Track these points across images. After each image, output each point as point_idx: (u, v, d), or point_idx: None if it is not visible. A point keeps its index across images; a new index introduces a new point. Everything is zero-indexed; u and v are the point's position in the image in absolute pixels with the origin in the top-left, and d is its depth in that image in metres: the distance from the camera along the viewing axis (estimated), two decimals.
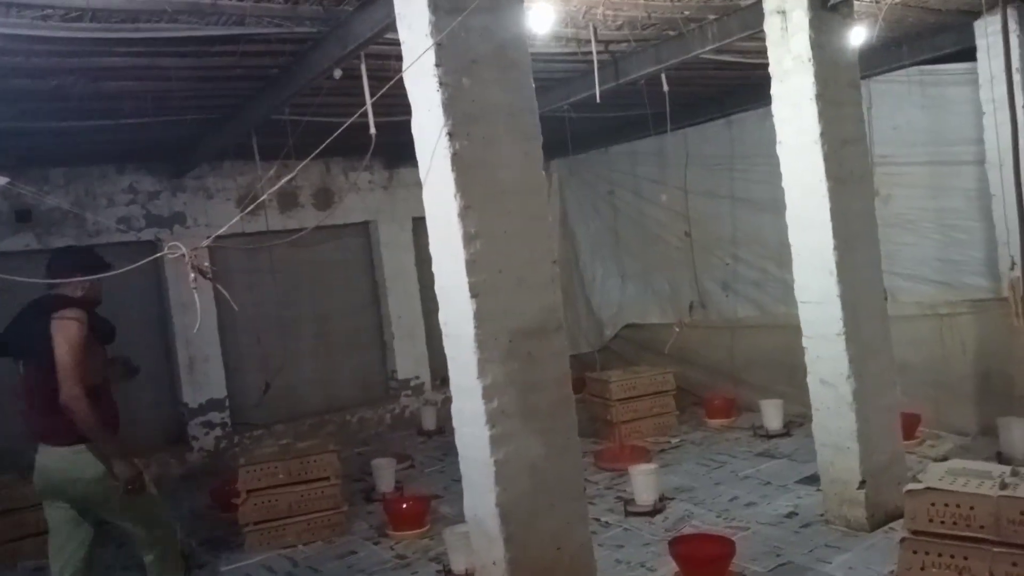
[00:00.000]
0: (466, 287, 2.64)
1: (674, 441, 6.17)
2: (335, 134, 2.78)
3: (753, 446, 5.75)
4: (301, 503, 4.66)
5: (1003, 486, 2.79)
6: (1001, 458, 4.56)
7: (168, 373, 6.84)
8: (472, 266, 2.63)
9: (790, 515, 4.27)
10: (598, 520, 4.54)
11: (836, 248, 3.80)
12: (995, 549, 2.73)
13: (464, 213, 2.62)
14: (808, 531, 4.01)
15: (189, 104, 4.68)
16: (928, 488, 2.86)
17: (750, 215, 6.72)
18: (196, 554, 4.58)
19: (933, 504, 2.85)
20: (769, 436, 5.89)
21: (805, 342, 4.05)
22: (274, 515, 4.62)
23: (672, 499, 4.74)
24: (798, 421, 6.03)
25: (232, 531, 4.78)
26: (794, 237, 4.04)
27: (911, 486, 2.92)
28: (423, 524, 4.65)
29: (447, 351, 2.82)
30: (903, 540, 2.92)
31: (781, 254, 6.49)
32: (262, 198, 2.87)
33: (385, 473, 5.40)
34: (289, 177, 3.06)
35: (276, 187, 2.89)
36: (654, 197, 7.52)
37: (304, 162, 2.95)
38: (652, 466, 4.78)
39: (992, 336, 5.17)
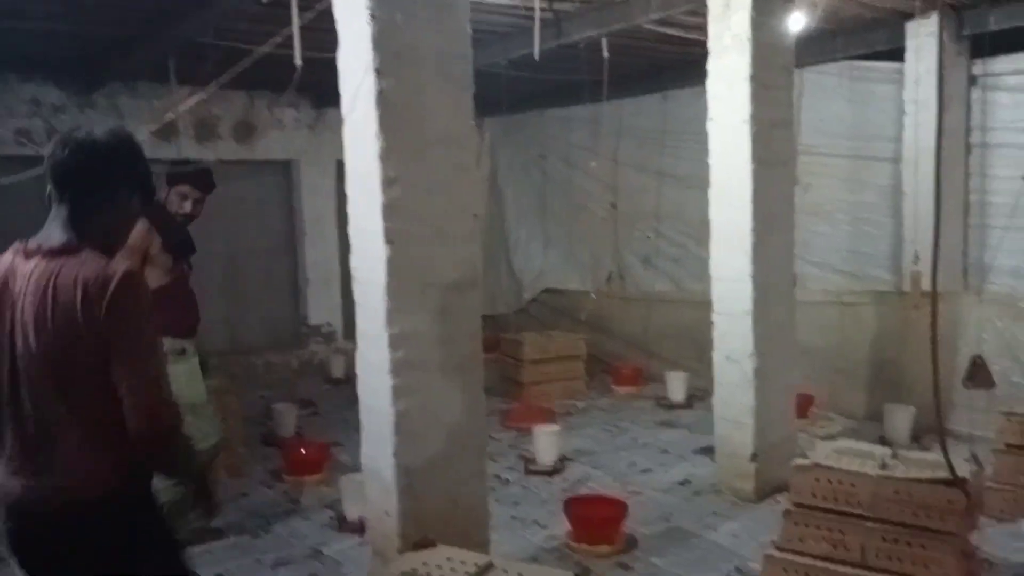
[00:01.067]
0: (381, 233, 2.56)
1: (581, 405, 6.27)
2: (254, 56, 2.63)
3: (656, 415, 5.89)
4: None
5: (883, 466, 2.93)
6: (884, 442, 4.80)
7: None
8: (389, 212, 2.55)
9: (683, 483, 4.41)
10: (498, 477, 4.57)
11: (754, 229, 3.88)
12: (868, 524, 2.87)
13: (385, 156, 2.53)
14: (699, 499, 4.15)
15: (105, 16, 4.36)
16: (815, 464, 2.98)
17: (676, 191, 6.80)
18: None
19: (818, 480, 2.97)
20: (672, 407, 6.05)
21: (714, 318, 4.14)
22: None
23: (572, 461, 4.81)
24: (700, 395, 6.21)
25: None
26: (715, 214, 4.10)
27: (799, 461, 3.03)
28: (320, 470, 4.59)
29: (356, 297, 2.75)
30: (786, 512, 3.04)
31: (702, 232, 6.57)
32: (169, 117, 2.69)
33: (285, 418, 5.29)
34: (200, 97, 2.88)
35: (187, 105, 2.71)
36: (584, 165, 7.53)
37: (221, 80, 2.78)
38: (555, 427, 4.84)
39: (888, 327, 5.42)
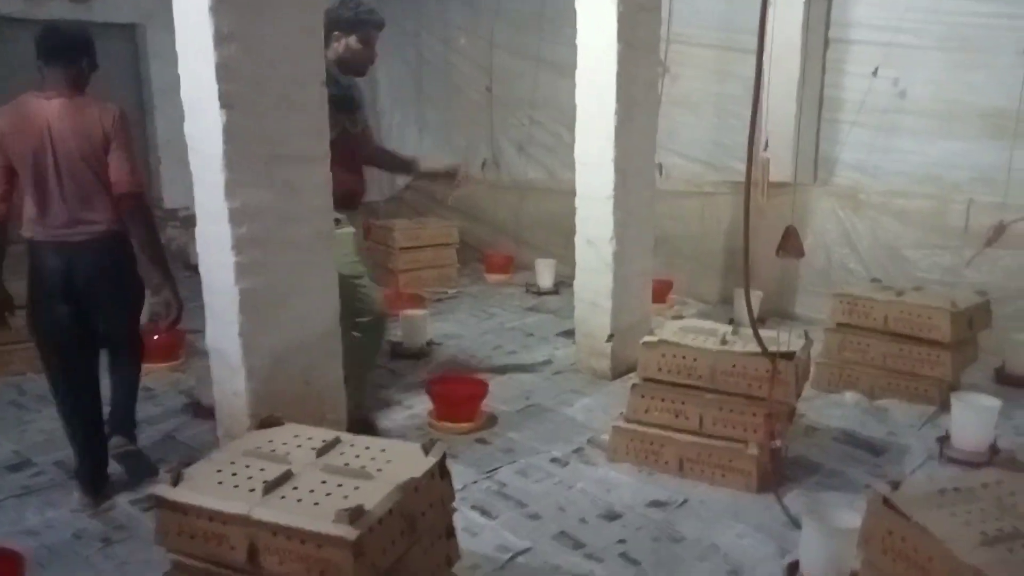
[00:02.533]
0: (216, 97, 2.35)
1: (451, 292, 6.29)
2: None
3: (524, 301, 6.00)
4: (24, 329, 4.19)
5: (723, 342, 3.10)
6: (732, 323, 5.11)
7: None
8: (224, 72, 2.34)
9: (545, 363, 4.55)
10: None
11: (617, 113, 3.87)
12: (707, 396, 3.06)
13: (217, 7, 2.29)
14: (558, 378, 4.30)
15: None
16: (661, 341, 3.12)
17: (551, 78, 6.69)
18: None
19: (663, 355, 3.12)
20: (540, 293, 6.17)
21: (577, 202, 4.18)
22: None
23: (439, 344, 4.86)
24: (568, 282, 6.33)
25: None
26: (580, 98, 4.06)
27: (647, 338, 3.17)
28: (176, 357, 4.42)
29: (192, 168, 2.56)
30: (634, 386, 3.19)
31: (575, 121, 6.62)
32: None
33: None
34: None
35: None
36: (460, 47, 7.26)
37: None
38: (422, 311, 4.84)
39: (741, 216, 5.65)
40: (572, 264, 6.41)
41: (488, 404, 3.75)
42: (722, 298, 5.78)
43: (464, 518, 2.75)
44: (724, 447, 3.04)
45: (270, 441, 2.17)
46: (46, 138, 2.83)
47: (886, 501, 1.89)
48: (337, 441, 2.15)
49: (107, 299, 3.01)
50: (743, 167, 5.78)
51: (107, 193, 2.91)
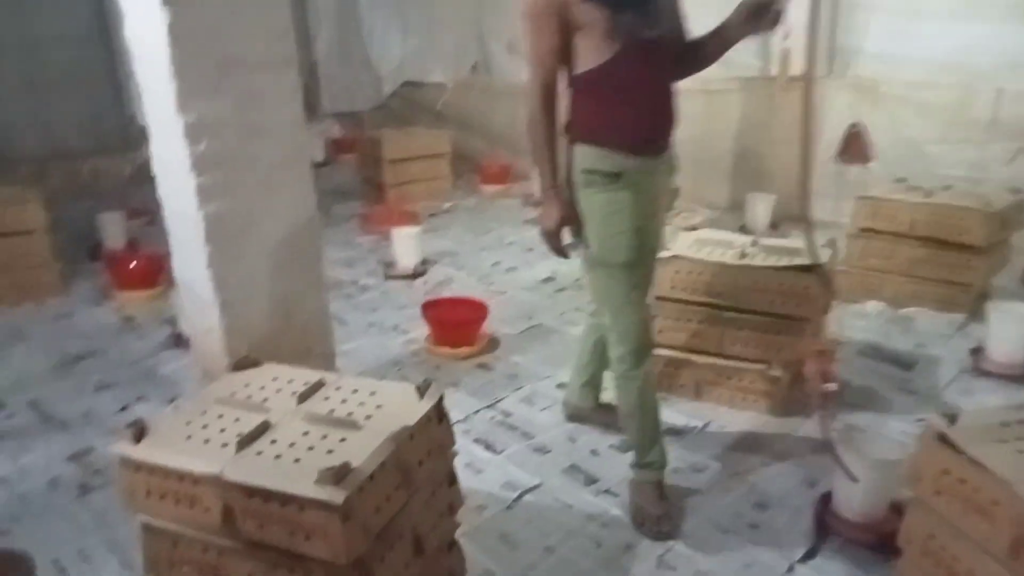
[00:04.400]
0: None
1: (446, 206, 5.98)
2: None
3: (523, 214, 5.71)
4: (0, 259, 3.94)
5: (742, 256, 2.84)
6: (744, 231, 4.84)
7: None
8: None
9: (547, 280, 4.30)
10: (355, 283, 4.32)
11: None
12: (726, 314, 2.82)
13: None
14: (562, 296, 4.06)
15: None
16: (674, 256, 2.86)
17: None
18: None
19: (677, 272, 2.86)
20: (538, 204, 5.85)
21: None
22: None
23: (435, 263, 4.60)
24: None
25: None
26: None
27: (659, 254, 2.89)
28: (155, 284, 4.16)
29: (139, 78, 2.22)
30: None
31: None
32: None
33: (112, 228, 4.74)
34: None
35: None
36: None
37: None
38: (414, 229, 4.56)
39: (753, 115, 5.31)
40: None
41: (489, 326, 3.52)
42: (731, 204, 5.48)
43: (467, 453, 2.56)
44: (745, 369, 2.82)
45: (246, 386, 1.93)
46: None
47: (942, 437, 1.67)
48: (321, 384, 1.91)
49: None
50: (753, 61, 5.45)
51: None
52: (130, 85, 6.65)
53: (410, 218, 5.36)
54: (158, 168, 2.31)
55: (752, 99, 5.30)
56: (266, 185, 2.33)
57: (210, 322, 2.36)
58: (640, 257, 2.17)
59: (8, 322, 3.82)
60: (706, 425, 2.74)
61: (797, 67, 5.03)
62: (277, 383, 1.94)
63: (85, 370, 3.30)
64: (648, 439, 2.29)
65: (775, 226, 4.89)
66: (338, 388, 1.90)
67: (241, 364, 2.04)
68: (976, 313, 3.42)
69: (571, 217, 2.16)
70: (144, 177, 6.83)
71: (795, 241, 2.93)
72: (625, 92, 2.03)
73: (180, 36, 2.04)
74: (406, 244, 4.39)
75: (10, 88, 6.21)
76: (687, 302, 2.88)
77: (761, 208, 4.83)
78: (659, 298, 2.91)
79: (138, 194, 6.27)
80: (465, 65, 7.02)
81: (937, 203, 3.56)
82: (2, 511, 2.36)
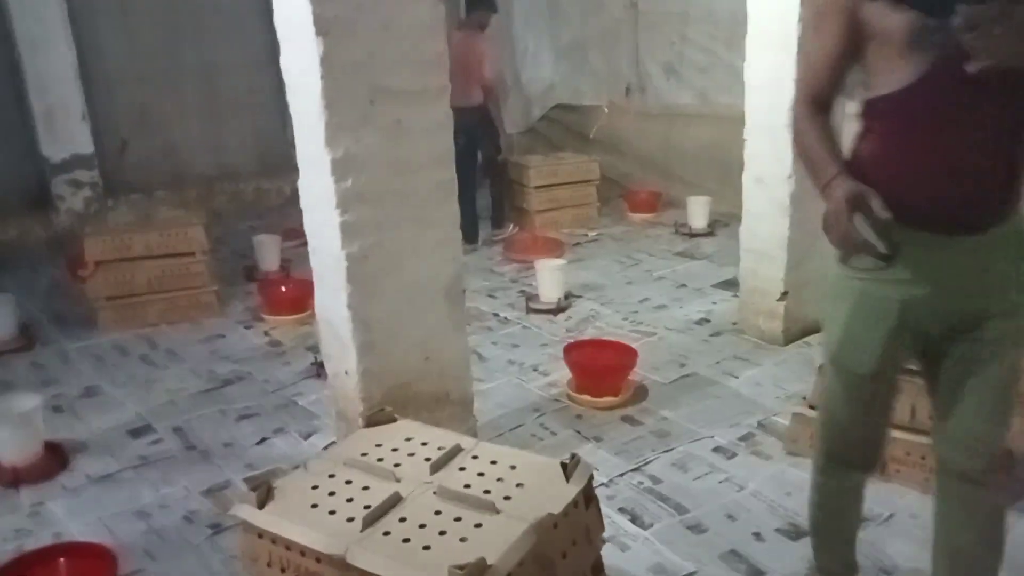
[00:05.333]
0: (311, 20, 1.92)
1: (592, 234, 5.75)
2: None
3: (673, 245, 5.38)
4: (162, 279, 4.10)
5: None
6: None
7: (22, 124, 5.88)
8: None
9: (701, 322, 3.96)
10: (496, 315, 4.16)
11: (802, 20, 3.12)
12: (922, 381, 2.40)
13: None
14: (718, 340, 3.72)
15: None
16: None
17: None
18: None
19: None
20: (692, 235, 5.52)
21: (746, 132, 3.50)
22: (130, 291, 4.07)
23: (579, 297, 4.37)
24: (724, 221, 5.66)
25: (89, 306, 4.22)
26: (750, 5, 3.33)
27: None
28: (304, 309, 4.18)
29: (291, 107, 2.16)
30: (822, 367, 2.56)
31: (734, 34, 5.75)
32: None
33: (268, 251, 4.85)
34: None
35: None
36: None
37: None
38: (558, 261, 4.36)
39: None
40: (728, 201, 5.72)
41: (636, 372, 3.25)
42: None
43: (610, 524, 2.29)
44: None
45: (378, 446, 1.78)
46: None
47: None
48: (457, 451, 1.73)
49: None
50: None
51: None
52: None
53: (555, 246, 5.18)
54: (305, 201, 2.24)
55: None
56: (413, 222, 2.21)
57: (348, 364, 2.25)
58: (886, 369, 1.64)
59: (166, 342, 3.95)
60: (892, 515, 2.34)
61: None
62: (411, 445, 1.77)
63: (230, 396, 3.32)
64: (834, 541, 1.92)
65: None
66: (475, 457, 1.71)
67: (375, 419, 1.89)
68: None
69: (863, 197, 1.37)
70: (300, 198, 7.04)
71: None
72: (925, 134, 1.41)
73: (332, 67, 1.94)
74: (550, 277, 4.19)
75: (189, 111, 6.61)
76: None
77: None
78: None
79: (295, 215, 6.51)
80: (619, 88, 6.78)
81: None
82: (140, 546, 2.34)
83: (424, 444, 1.77)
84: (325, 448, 2.81)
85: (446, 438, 1.79)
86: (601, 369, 3.14)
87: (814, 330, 3.68)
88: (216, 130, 6.79)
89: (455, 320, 2.41)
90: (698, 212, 5.56)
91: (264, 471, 2.69)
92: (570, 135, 7.12)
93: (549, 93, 7.35)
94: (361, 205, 2.10)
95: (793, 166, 3.32)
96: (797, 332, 3.60)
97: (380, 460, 1.72)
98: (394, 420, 1.90)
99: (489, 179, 5.72)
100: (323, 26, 1.92)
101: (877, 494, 2.41)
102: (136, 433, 3.03)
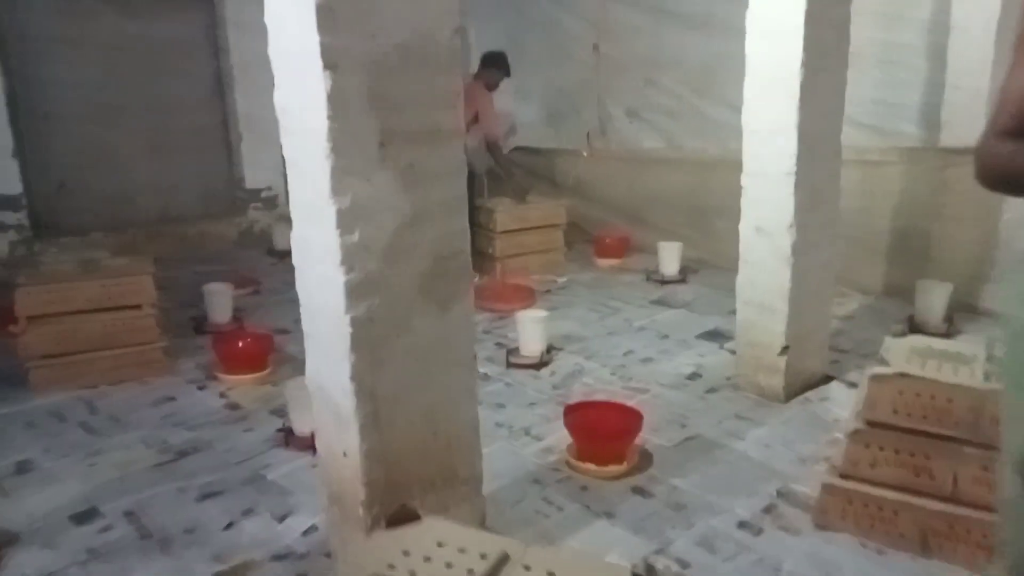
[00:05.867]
0: (318, 52, 1.66)
1: (561, 281, 5.56)
2: None
3: (648, 292, 5.22)
4: (104, 335, 3.68)
5: (988, 377, 2.27)
6: (913, 323, 4.23)
7: None
8: (327, 16, 1.64)
9: (693, 376, 3.77)
10: None
11: (805, 64, 3.01)
12: (967, 449, 2.25)
13: None
14: (715, 397, 3.52)
15: None
16: (900, 374, 2.31)
17: (675, 32, 5.83)
18: None
19: (901, 392, 2.31)
20: (664, 282, 5.38)
21: (745, 180, 3.34)
22: (68, 348, 3.64)
23: (560, 350, 4.13)
24: (694, 267, 5.56)
25: (20, 365, 3.75)
26: (752, 47, 3.21)
27: (878, 370, 2.35)
28: (263, 366, 3.83)
29: (285, 152, 1.88)
30: (855, 432, 2.39)
31: (702, 81, 5.73)
32: None
33: (219, 300, 4.47)
34: None
35: None
36: (569, 2, 6.46)
37: None
38: (542, 313, 4.12)
39: (919, 191, 4.73)
40: (698, 247, 5.63)
41: (639, 436, 3.02)
42: (886, 289, 4.87)
43: None
44: (990, 521, 2.22)
45: (406, 554, 1.48)
46: None
47: None
48: (504, 560, 1.45)
49: None
50: (913, 130, 4.90)
51: None
52: (240, 148, 6.58)
53: (526, 294, 4.96)
54: (299, 258, 1.95)
55: (917, 173, 4.72)
56: (422, 278, 1.94)
57: (347, 443, 1.95)
58: None
59: (109, 406, 3.53)
60: None
61: (964, 137, 4.47)
62: (446, 553, 1.49)
63: (189, 470, 2.94)
64: None
65: (950, 319, 4.25)
66: (528, 568, 1.43)
67: (397, 518, 1.59)
68: None
69: None
70: (247, 242, 6.73)
71: None
72: None
73: (341, 105, 1.67)
74: (533, 328, 3.95)
75: (131, 150, 6.22)
76: (911, 431, 2.31)
77: (936, 297, 4.20)
78: (874, 424, 2.36)
79: (244, 260, 6.13)
80: (581, 131, 6.68)
81: None
82: None
83: (462, 551, 1.48)
84: (304, 533, 2.49)
85: (486, 542, 1.51)
86: (607, 434, 2.89)
87: (815, 384, 3.54)
88: (159, 169, 6.39)
89: (467, 387, 2.14)
90: (670, 258, 5.44)
91: (237, 563, 2.33)
92: (533, 178, 6.96)
93: (511, 135, 7.20)
94: (369, 260, 1.83)
95: (795, 215, 3.19)
96: (798, 387, 3.45)
97: (412, 571, 1.42)
98: (418, 518, 1.61)
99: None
100: (331, 58, 1.66)
101: (921, 570, 2.24)
102: (80, 519, 2.62)
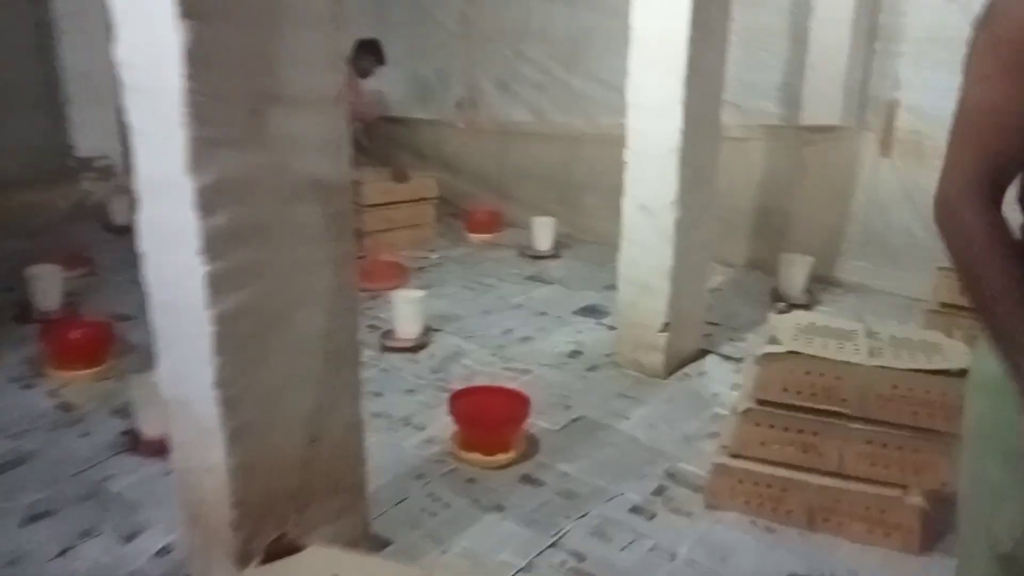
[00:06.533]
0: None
1: (433, 257, 5.35)
2: None
3: (522, 268, 5.12)
4: None
5: (872, 353, 2.31)
6: (777, 295, 4.39)
7: None
8: None
9: (573, 354, 3.71)
10: None
11: (692, 39, 2.96)
12: (852, 425, 2.29)
13: None
14: (596, 376, 3.47)
15: None
16: (791, 352, 2.31)
17: (544, 5, 5.71)
18: None
19: (792, 371, 2.31)
20: (537, 257, 5.31)
21: (628, 157, 3.28)
22: None
23: (437, 331, 3.95)
24: (566, 242, 5.52)
25: None
26: (634, 22, 3.12)
27: (769, 348, 2.35)
28: (102, 359, 3.38)
29: (131, 114, 1.57)
30: (746, 411, 2.38)
31: (571, 55, 5.66)
32: None
33: (47, 285, 3.92)
34: None
35: None
36: None
37: None
38: (419, 292, 3.92)
39: (778, 166, 4.90)
40: (568, 222, 5.59)
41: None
42: (750, 262, 5.03)
43: None
44: (874, 494, 2.29)
45: None
46: None
47: None
48: None
49: None
50: (774, 109, 5.06)
51: None
52: (70, 111, 5.85)
53: (398, 271, 4.73)
54: (148, 243, 1.65)
55: (777, 150, 4.88)
56: (304, 265, 1.70)
57: (212, 457, 1.69)
58: None
59: None
60: (832, 574, 2.18)
61: (820, 116, 4.67)
62: None
63: (13, 485, 2.52)
64: None
65: (810, 291, 4.44)
66: None
67: (274, 551, 1.37)
68: None
69: None
70: (81, 214, 6.00)
71: (930, 335, 2.43)
72: None
73: (203, 63, 1.39)
74: (408, 310, 3.74)
75: None
76: (799, 408, 2.33)
77: (797, 271, 4.37)
78: (764, 402, 2.37)
79: (76, 235, 5.46)
80: (449, 102, 6.45)
81: None
82: None
83: None
84: (158, 554, 2.19)
85: (389, 570, 1.32)
86: (494, 421, 2.75)
87: (692, 359, 3.57)
88: None
89: (350, 384, 1.93)
90: (543, 234, 5.37)
91: None
92: (398, 149, 6.66)
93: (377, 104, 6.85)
94: (237, 248, 1.56)
95: (679, 193, 3.16)
96: (676, 364, 3.46)
97: None
98: (299, 548, 1.39)
99: None
100: (191, 5, 1.37)
101: (807, 545, 2.27)
102: None
